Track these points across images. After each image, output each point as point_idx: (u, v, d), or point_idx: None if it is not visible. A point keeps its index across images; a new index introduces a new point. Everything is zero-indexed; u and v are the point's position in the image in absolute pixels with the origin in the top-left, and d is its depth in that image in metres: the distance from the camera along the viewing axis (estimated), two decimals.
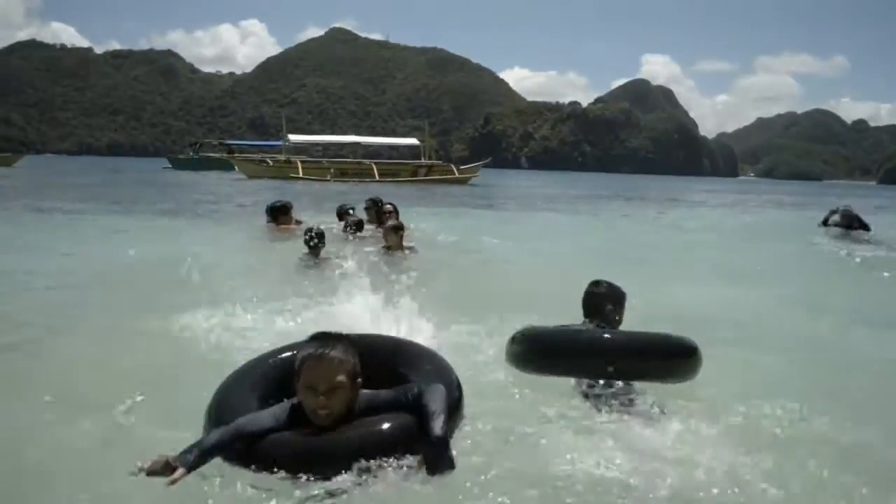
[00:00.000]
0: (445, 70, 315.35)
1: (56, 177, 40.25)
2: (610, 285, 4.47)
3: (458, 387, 3.24)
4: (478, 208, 22.71)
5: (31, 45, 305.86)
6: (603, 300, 4.37)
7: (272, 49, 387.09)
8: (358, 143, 48.40)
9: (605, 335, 3.96)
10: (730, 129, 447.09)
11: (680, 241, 15.05)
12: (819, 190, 76.61)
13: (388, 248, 9.07)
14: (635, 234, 16.64)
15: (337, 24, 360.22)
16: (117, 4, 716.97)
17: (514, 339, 4.11)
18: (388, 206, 11.02)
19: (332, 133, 44.92)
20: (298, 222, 11.23)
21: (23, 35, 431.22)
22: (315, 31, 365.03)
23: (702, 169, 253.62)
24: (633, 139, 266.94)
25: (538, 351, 4.00)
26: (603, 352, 3.83)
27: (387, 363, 3.40)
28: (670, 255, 12.29)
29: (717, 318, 6.27)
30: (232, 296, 5.84)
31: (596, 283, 4.47)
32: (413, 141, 50.88)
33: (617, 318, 4.35)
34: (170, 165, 58.74)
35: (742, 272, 9.83)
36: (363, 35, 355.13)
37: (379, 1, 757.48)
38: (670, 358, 3.90)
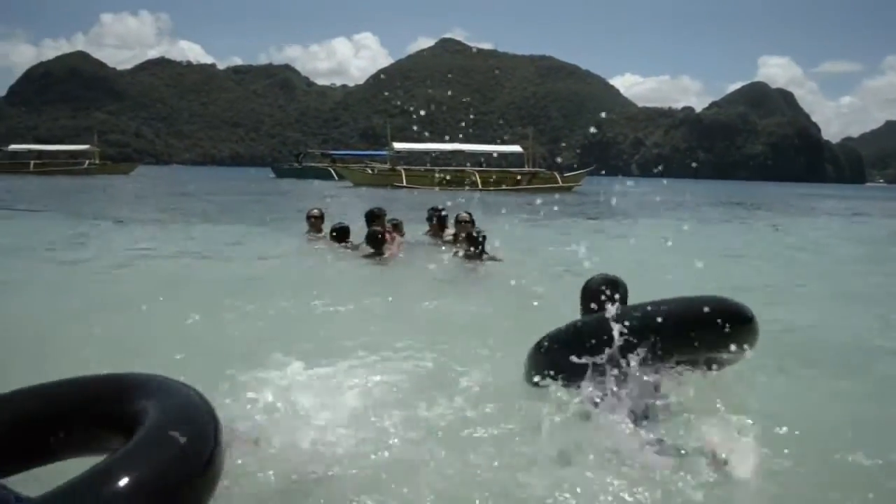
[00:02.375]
0: (555, 77, 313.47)
1: (161, 185, 42.69)
2: (603, 274, 4.08)
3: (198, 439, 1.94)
4: (575, 217, 22.46)
5: (160, 63, 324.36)
6: (599, 288, 3.91)
7: (384, 61, 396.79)
8: (462, 151, 48.79)
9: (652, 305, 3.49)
10: (855, 132, 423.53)
11: (786, 253, 14.20)
12: None
13: (465, 255, 9.35)
14: (736, 245, 16.04)
15: (447, 35, 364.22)
16: (240, 22, 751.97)
17: (540, 347, 3.69)
18: (465, 214, 10.85)
19: (442, 141, 45.46)
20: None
21: (154, 53, 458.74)
22: (426, 42, 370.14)
23: (825, 175, 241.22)
24: (749, 145, 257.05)
25: (578, 347, 3.50)
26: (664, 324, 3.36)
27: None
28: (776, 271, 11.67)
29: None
30: None
31: (590, 279, 4.07)
32: (517, 148, 50.85)
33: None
34: (274, 175, 61.40)
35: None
36: (472, 45, 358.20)
37: (489, 11, 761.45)
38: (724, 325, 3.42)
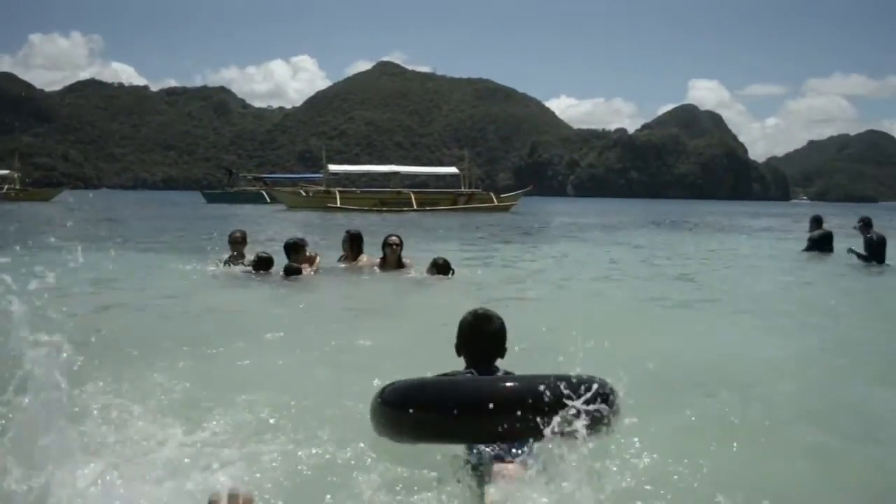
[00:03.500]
0: (491, 100, 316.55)
1: (80, 211, 41.22)
2: (481, 310, 3.80)
3: None
4: (507, 238, 22.45)
5: (91, 84, 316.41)
6: (497, 334, 3.68)
7: (322, 83, 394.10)
8: (397, 173, 48.63)
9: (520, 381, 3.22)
10: (780, 152, 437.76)
11: (716, 273, 14.19)
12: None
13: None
14: (661, 263, 16.16)
15: (385, 58, 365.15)
16: (174, 44, 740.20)
17: (383, 396, 3.33)
18: (395, 237, 10.99)
19: (380, 163, 45.14)
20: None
21: (85, 75, 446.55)
22: (364, 65, 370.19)
23: (752, 193, 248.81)
24: (680, 165, 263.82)
25: (419, 408, 3.19)
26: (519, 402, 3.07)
27: None
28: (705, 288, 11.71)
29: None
30: None
31: (486, 316, 3.72)
32: (453, 170, 50.96)
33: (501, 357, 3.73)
34: (205, 200, 59.60)
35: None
36: (410, 68, 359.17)
37: (426, 35, 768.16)
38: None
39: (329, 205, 39.94)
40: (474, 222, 30.60)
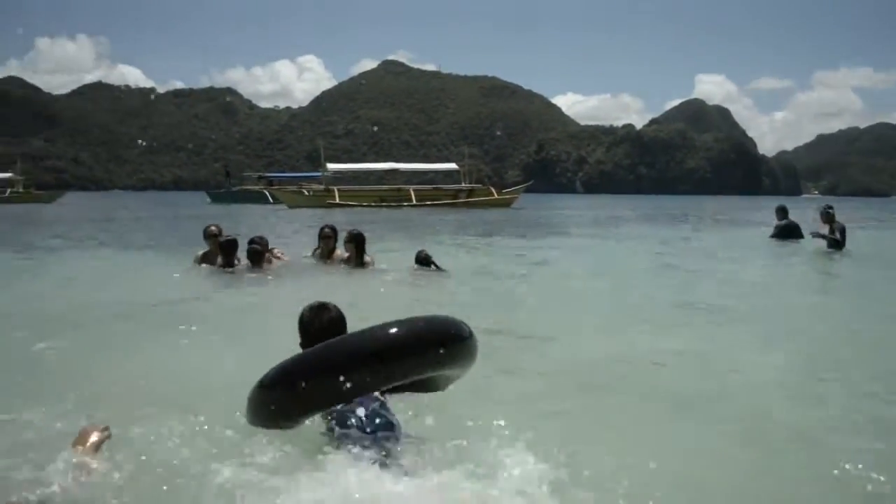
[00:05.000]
0: (498, 97, 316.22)
1: (86, 211, 41.40)
2: (317, 302, 3.98)
3: None
4: (506, 235, 22.32)
5: (98, 87, 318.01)
6: (335, 321, 3.84)
7: (328, 83, 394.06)
8: (397, 170, 48.52)
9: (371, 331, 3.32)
10: (789, 146, 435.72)
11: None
12: (888, 207, 74.03)
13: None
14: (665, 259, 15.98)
15: (390, 57, 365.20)
16: (180, 45, 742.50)
17: (263, 384, 3.36)
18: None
19: (388, 161, 45.54)
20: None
21: (91, 78, 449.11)
22: (369, 64, 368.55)
23: (761, 188, 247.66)
24: (689, 160, 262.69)
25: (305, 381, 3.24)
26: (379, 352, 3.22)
27: None
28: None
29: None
30: None
31: (323, 307, 3.91)
32: (452, 165, 50.83)
33: None
34: (209, 199, 59.75)
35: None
36: (416, 66, 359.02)
37: (432, 33, 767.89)
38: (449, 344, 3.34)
39: (329, 202, 39.90)
40: (472, 218, 30.51)
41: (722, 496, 3.29)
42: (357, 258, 10.54)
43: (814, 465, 3.56)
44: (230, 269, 10.05)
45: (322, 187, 45.26)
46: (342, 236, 11.00)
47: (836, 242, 14.30)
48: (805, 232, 15.95)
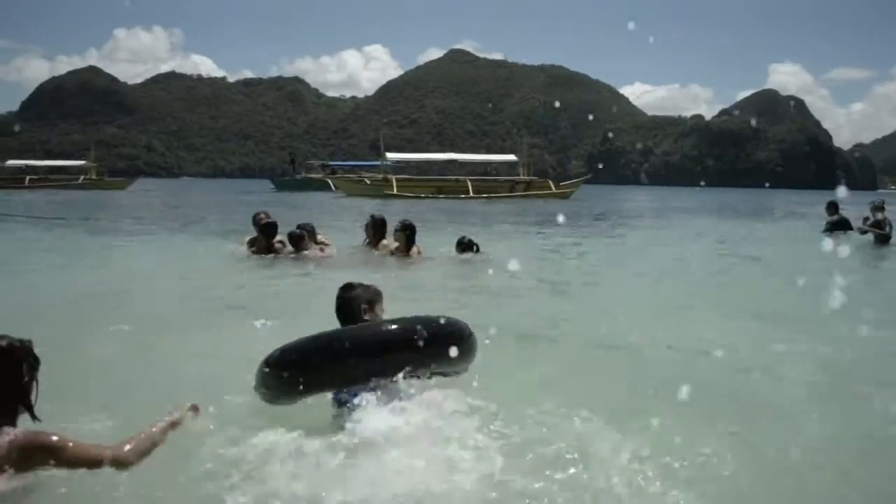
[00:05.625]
0: (564, 87, 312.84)
1: (154, 197, 42.76)
2: (362, 285, 4.23)
3: None
4: (554, 225, 22.24)
5: (171, 77, 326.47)
6: (355, 301, 4.12)
7: (394, 72, 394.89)
8: (455, 161, 48.57)
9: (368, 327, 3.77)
10: (867, 139, 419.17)
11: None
12: None
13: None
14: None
15: (457, 46, 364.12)
16: (251, 36, 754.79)
17: (269, 362, 3.77)
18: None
19: (451, 151, 46.11)
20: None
21: (166, 67, 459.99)
22: (436, 54, 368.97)
23: (836, 182, 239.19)
24: (759, 152, 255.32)
25: (305, 365, 3.65)
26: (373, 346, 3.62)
27: None
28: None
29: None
30: None
31: (347, 286, 4.24)
32: (511, 157, 50.63)
33: (375, 316, 4.15)
34: (273, 187, 60.95)
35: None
36: (482, 55, 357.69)
37: (499, 21, 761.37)
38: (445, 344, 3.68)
39: (387, 192, 40.22)
40: (528, 209, 30.46)
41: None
42: (405, 248, 10.69)
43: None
44: (271, 255, 10.37)
45: (381, 176, 45.64)
46: (395, 226, 11.20)
47: (884, 237, 14.75)
48: (854, 226, 16.39)
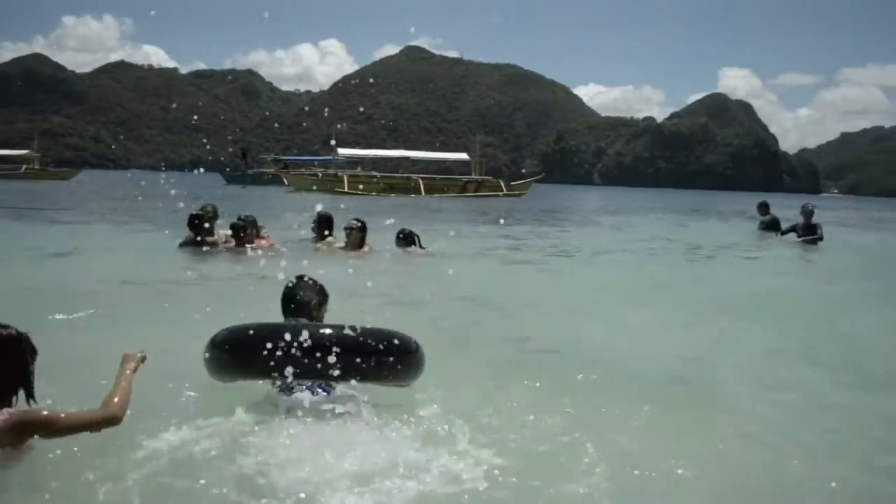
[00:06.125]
0: (519, 86, 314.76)
1: (98, 190, 41.93)
2: (314, 280, 4.24)
3: None
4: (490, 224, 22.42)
5: (121, 66, 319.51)
6: (307, 295, 4.12)
7: (349, 68, 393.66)
8: (406, 158, 48.57)
9: (331, 328, 3.67)
10: (812, 144, 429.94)
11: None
12: None
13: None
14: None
15: (413, 43, 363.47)
16: (204, 27, 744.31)
17: (215, 343, 3.77)
18: (355, 221, 11.25)
19: (406, 148, 46.10)
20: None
21: (115, 57, 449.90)
22: (392, 50, 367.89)
23: (781, 185, 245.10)
24: (709, 155, 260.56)
25: (247, 350, 3.64)
26: (327, 347, 3.54)
27: None
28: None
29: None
30: None
31: (299, 277, 4.22)
32: (463, 156, 50.82)
33: (320, 315, 4.15)
34: (224, 181, 59.91)
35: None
36: (438, 53, 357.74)
37: (455, 19, 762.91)
38: (393, 356, 3.68)
39: (337, 189, 39.98)
40: (477, 207, 30.65)
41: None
42: (358, 245, 10.67)
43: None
44: (206, 247, 10.29)
45: (332, 172, 45.39)
46: (349, 223, 11.18)
47: (816, 240, 15.84)
48: (784, 226, 17.55)
